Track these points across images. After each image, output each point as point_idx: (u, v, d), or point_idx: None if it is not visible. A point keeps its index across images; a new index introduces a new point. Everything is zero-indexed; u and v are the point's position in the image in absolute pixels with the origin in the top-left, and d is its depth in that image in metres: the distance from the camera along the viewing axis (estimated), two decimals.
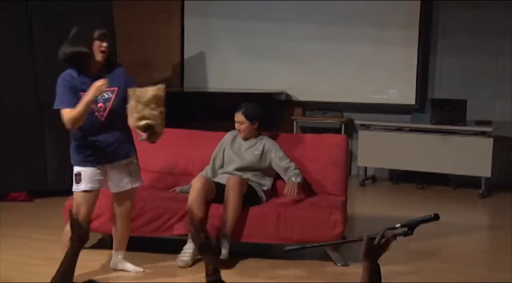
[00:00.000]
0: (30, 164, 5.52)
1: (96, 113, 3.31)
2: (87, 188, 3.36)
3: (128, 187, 3.51)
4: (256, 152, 4.16)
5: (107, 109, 3.32)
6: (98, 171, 3.39)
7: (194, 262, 3.77)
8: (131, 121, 3.18)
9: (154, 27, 7.51)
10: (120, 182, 3.49)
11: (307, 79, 7.12)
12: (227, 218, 3.79)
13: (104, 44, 3.31)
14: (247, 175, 4.07)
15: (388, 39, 6.78)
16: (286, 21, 7.09)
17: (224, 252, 3.76)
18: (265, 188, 4.12)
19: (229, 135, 4.33)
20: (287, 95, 7.13)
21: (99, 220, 3.87)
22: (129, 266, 3.65)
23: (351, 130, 7.01)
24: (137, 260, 3.75)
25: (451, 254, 4.21)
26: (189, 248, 3.80)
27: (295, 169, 4.07)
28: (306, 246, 2.34)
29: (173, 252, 3.87)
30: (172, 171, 4.41)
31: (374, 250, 2.03)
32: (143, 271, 3.65)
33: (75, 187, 3.38)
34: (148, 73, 7.48)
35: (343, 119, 6.98)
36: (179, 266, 3.74)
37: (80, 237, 2.17)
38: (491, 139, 6.06)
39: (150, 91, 3.15)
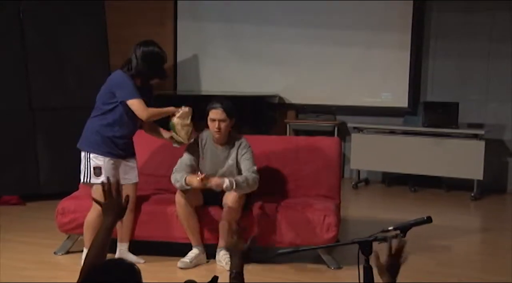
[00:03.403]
0: (22, 167, 5.49)
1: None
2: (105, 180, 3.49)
3: (134, 180, 3.83)
4: (231, 162, 3.82)
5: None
6: (113, 165, 3.71)
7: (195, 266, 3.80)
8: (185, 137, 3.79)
9: (146, 29, 7.48)
10: (126, 175, 3.79)
11: (300, 82, 7.12)
12: (225, 236, 3.77)
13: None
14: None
15: (380, 42, 6.79)
16: (280, 24, 7.09)
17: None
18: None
19: (200, 138, 3.89)
20: (280, 98, 7.13)
21: None
22: (131, 257, 3.80)
23: (344, 133, 7.02)
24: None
25: (443, 257, 4.21)
26: (192, 253, 3.80)
27: (248, 176, 3.73)
28: (299, 249, 2.34)
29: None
30: (165, 173, 4.39)
31: (395, 263, 1.90)
32: (144, 262, 3.80)
33: (94, 180, 3.62)
34: None
35: (336, 122, 6.99)
36: (179, 267, 3.76)
37: (117, 210, 2.02)
38: (483, 142, 6.08)
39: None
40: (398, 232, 2.16)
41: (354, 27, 6.87)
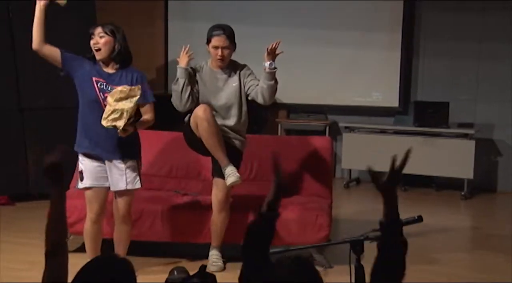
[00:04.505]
0: (11, 167, 5.45)
1: (102, 103, 3.32)
2: (87, 185, 3.41)
3: (123, 187, 3.44)
4: (234, 84, 3.75)
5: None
6: (100, 168, 3.42)
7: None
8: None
9: (137, 29, 7.46)
10: (114, 181, 3.44)
11: (291, 82, 7.10)
12: (218, 235, 3.77)
13: (94, 41, 3.37)
14: (230, 123, 3.76)
15: (371, 42, 6.81)
16: (270, 24, 7.08)
17: (221, 265, 3.75)
18: (244, 135, 3.86)
19: (194, 66, 3.78)
20: None
21: (83, 223, 3.83)
22: None
23: (335, 132, 7.02)
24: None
25: (434, 256, 4.23)
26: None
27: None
28: (291, 248, 2.34)
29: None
30: (156, 173, 4.38)
31: (396, 174, 1.95)
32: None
33: (79, 185, 3.45)
34: None
35: (327, 122, 6.99)
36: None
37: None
38: (473, 142, 6.11)
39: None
40: None
41: (345, 27, 6.87)
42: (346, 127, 6.69)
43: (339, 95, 6.98)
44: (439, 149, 6.25)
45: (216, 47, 3.67)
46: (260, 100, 3.71)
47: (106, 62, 3.41)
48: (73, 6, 5.64)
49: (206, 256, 3.82)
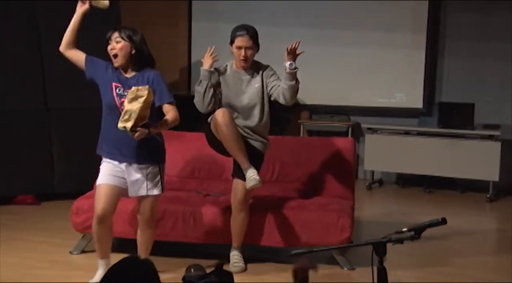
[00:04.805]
0: (37, 167, 5.53)
1: (120, 108, 3.27)
2: (98, 182, 3.38)
3: (143, 193, 3.39)
4: (256, 85, 3.74)
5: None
6: (118, 169, 3.37)
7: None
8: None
9: (161, 30, 7.52)
10: (134, 187, 3.39)
11: (314, 82, 7.09)
12: (238, 235, 3.77)
13: (111, 47, 3.35)
14: (252, 124, 3.74)
15: (395, 42, 6.76)
16: (294, 24, 7.08)
17: (242, 265, 3.76)
18: (266, 136, 3.83)
19: (218, 68, 3.78)
20: None
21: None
22: None
23: (357, 134, 6.99)
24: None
25: (458, 258, 4.18)
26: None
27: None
28: (314, 249, 2.33)
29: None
30: (179, 174, 4.41)
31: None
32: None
33: (97, 180, 3.41)
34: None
35: (350, 123, 6.96)
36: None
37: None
38: (499, 143, 6.03)
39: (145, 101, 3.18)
40: (412, 233, 2.14)
41: (368, 27, 6.84)
42: (368, 128, 6.65)
43: (362, 96, 6.95)
44: (464, 151, 6.18)
45: (239, 48, 3.67)
46: (282, 101, 3.71)
47: (125, 68, 3.37)
48: (99, 8, 5.76)
49: (228, 257, 3.82)
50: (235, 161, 3.72)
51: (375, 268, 2.13)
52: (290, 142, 4.47)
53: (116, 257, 3.81)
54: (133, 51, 3.33)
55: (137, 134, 3.14)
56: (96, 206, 3.37)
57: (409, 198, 6.28)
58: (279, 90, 3.70)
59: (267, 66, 3.82)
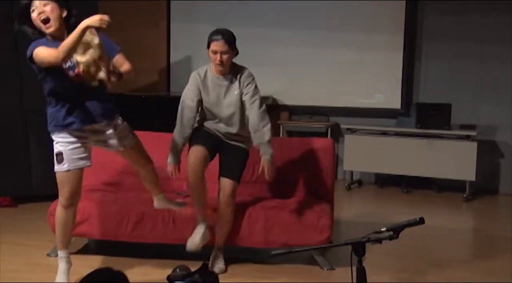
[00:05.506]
0: (14, 169, 5.46)
1: (70, 74, 3.08)
2: (70, 168, 3.21)
3: (120, 148, 3.33)
4: (235, 92, 3.69)
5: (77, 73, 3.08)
6: (81, 147, 3.20)
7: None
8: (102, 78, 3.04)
9: (140, 31, 7.48)
10: (109, 143, 3.30)
11: (293, 83, 7.13)
12: (222, 234, 3.77)
13: (38, 11, 3.03)
14: (233, 130, 3.75)
15: (373, 43, 6.82)
16: (272, 26, 7.10)
17: (222, 266, 3.75)
18: (248, 136, 3.78)
19: (198, 75, 3.74)
20: (273, 99, 7.14)
21: (85, 225, 3.85)
22: (172, 205, 3.73)
23: (337, 134, 7.03)
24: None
25: (436, 258, 4.23)
26: (201, 230, 3.69)
27: (262, 128, 3.60)
28: (293, 250, 2.34)
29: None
30: (159, 175, 4.38)
31: None
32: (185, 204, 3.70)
33: (58, 167, 3.22)
34: (134, 78, 7.44)
35: (329, 123, 7.00)
36: (189, 250, 3.63)
37: None
38: (475, 144, 6.11)
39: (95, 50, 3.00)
40: (391, 233, 2.17)
41: (346, 28, 6.89)
42: (348, 129, 6.70)
43: (341, 96, 6.99)
44: (441, 151, 6.25)
45: (215, 52, 3.64)
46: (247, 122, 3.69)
47: (60, 35, 3.04)
48: (77, 7, 5.71)
49: (209, 258, 3.82)
50: (220, 162, 3.76)
51: (354, 268, 2.15)
52: None
53: (96, 259, 3.80)
54: (65, 13, 3.07)
55: (112, 79, 3.01)
56: (65, 191, 3.23)
57: (388, 198, 6.34)
58: (247, 113, 3.68)
59: (244, 70, 3.78)
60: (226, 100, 3.71)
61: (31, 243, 4.31)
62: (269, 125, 3.66)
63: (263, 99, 7.26)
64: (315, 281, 3.69)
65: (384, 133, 6.62)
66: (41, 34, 3.12)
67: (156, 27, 7.54)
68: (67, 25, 3.11)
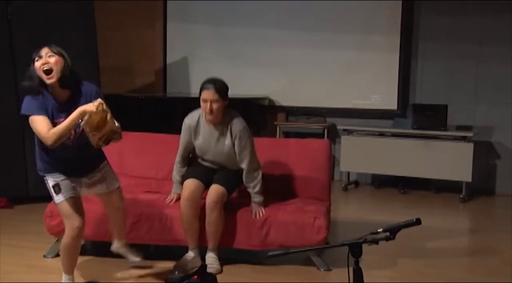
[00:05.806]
0: (10, 170, 5.45)
1: (67, 140, 3.15)
2: (70, 195, 3.26)
3: (105, 190, 3.45)
4: (226, 142, 3.77)
5: (77, 134, 3.16)
6: (72, 181, 3.28)
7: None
8: (94, 144, 3.10)
9: (136, 32, 7.48)
10: (96, 187, 3.41)
11: (290, 84, 7.14)
12: (213, 238, 3.78)
13: (43, 61, 3.07)
14: (225, 169, 3.87)
15: (370, 44, 6.83)
16: (269, 26, 7.11)
17: (217, 267, 3.76)
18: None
19: (190, 122, 3.80)
20: (270, 100, 7.14)
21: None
22: (128, 254, 3.72)
23: (333, 135, 7.04)
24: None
25: (432, 258, 4.23)
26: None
27: (252, 180, 3.82)
28: (290, 251, 2.34)
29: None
30: (155, 175, 4.38)
31: None
32: (139, 261, 3.71)
33: (57, 198, 3.25)
34: (130, 79, 7.45)
35: (326, 124, 7.01)
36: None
37: None
38: (472, 144, 6.12)
39: (94, 118, 3.00)
40: (387, 233, 2.17)
41: (343, 29, 6.90)
42: (344, 129, 6.70)
43: (337, 97, 7.00)
44: (438, 152, 6.26)
45: (205, 101, 3.66)
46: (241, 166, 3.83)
47: (57, 89, 3.09)
48: (72, 8, 5.71)
49: (204, 259, 3.81)
50: (218, 170, 3.87)
51: (351, 269, 2.15)
52: (266, 143, 4.47)
53: (93, 260, 3.78)
54: (66, 67, 3.11)
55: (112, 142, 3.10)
56: (72, 220, 3.23)
57: (384, 199, 6.34)
58: (239, 159, 3.80)
59: (235, 118, 3.79)
60: (217, 148, 3.80)
61: (27, 244, 4.30)
62: (259, 176, 3.83)
63: (261, 100, 7.32)
64: (312, 282, 3.69)
65: (381, 134, 6.62)
66: (39, 89, 3.12)
67: (152, 28, 7.53)
68: (68, 76, 3.12)
